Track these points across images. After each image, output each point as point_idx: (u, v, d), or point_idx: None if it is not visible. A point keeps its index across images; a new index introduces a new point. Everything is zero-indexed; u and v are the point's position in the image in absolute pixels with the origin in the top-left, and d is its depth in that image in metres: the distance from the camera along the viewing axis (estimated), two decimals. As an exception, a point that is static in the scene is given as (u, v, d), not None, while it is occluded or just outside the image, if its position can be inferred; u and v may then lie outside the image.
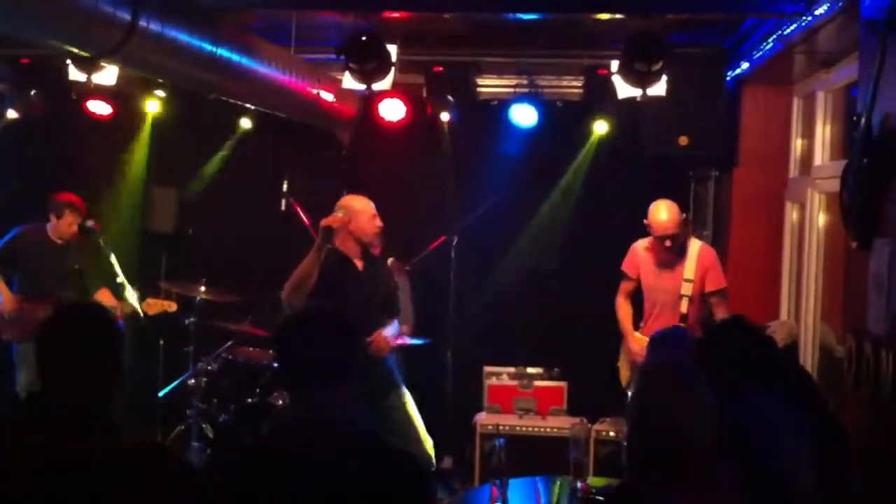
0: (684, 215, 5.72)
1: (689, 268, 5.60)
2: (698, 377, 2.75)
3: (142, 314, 6.34)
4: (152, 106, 7.25)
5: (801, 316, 5.95)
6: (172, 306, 6.59)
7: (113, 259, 6.29)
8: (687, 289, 5.59)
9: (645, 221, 5.65)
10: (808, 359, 5.78)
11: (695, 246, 5.70)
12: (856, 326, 4.01)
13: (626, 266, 5.91)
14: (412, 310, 6.60)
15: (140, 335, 6.32)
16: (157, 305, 6.54)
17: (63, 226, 6.56)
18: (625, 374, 5.92)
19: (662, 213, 5.58)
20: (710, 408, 2.61)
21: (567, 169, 7.31)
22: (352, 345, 2.57)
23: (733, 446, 2.71)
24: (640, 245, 5.84)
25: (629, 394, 5.85)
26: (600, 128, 6.92)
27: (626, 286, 5.92)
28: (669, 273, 5.66)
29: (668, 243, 5.55)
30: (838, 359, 4.96)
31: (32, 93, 6.66)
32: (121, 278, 6.32)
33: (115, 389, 2.49)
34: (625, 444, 5.30)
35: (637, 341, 5.75)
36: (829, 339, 5.54)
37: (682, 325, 5.55)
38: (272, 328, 6.48)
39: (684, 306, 5.58)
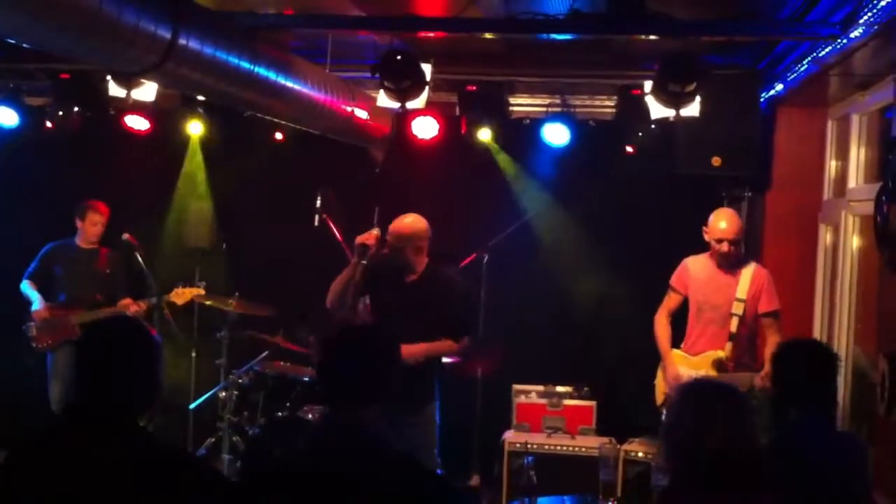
0: (744, 228, 5.67)
1: (743, 287, 5.52)
2: (745, 397, 2.79)
3: (173, 325, 6.44)
4: (192, 125, 7.32)
5: (835, 339, 5.90)
6: (201, 292, 6.68)
7: (147, 272, 6.37)
8: (738, 308, 5.50)
9: (704, 228, 5.60)
10: (840, 383, 5.73)
11: (750, 266, 5.61)
12: (889, 350, 3.98)
13: (674, 281, 5.82)
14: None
15: (172, 342, 6.42)
16: (186, 294, 6.64)
17: (88, 226, 6.79)
18: (661, 393, 5.82)
19: (722, 216, 5.57)
20: (757, 426, 2.66)
21: (599, 188, 7.32)
22: (390, 366, 2.58)
23: (784, 464, 2.74)
24: (692, 260, 5.78)
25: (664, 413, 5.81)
26: (632, 148, 6.91)
27: (670, 301, 5.83)
28: (722, 290, 5.58)
29: (724, 247, 5.47)
30: (871, 383, 4.92)
31: (76, 109, 6.78)
32: (153, 291, 6.41)
33: (152, 401, 2.54)
34: (653, 463, 5.29)
35: (675, 364, 5.67)
36: (862, 363, 5.49)
37: (730, 343, 5.51)
38: (304, 342, 6.61)
39: (734, 326, 5.51)
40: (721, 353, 5.52)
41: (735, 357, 5.53)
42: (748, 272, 5.56)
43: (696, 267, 5.73)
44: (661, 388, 5.82)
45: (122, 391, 2.48)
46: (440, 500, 2.49)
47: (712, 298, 5.61)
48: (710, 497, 2.63)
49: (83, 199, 6.87)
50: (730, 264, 5.57)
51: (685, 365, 5.66)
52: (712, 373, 5.48)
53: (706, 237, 5.58)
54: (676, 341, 5.79)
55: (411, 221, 5.21)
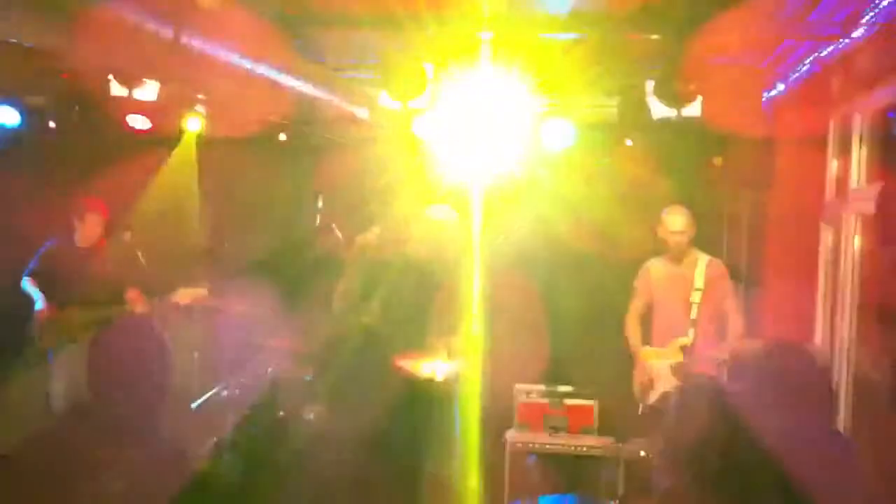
0: (693, 225, 5.99)
1: (699, 277, 5.91)
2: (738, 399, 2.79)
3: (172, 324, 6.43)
4: (192, 122, 7.32)
5: (837, 339, 5.89)
6: (204, 293, 6.68)
7: (148, 272, 6.37)
8: (696, 296, 5.88)
9: (658, 227, 5.99)
10: (842, 383, 5.72)
11: (703, 259, 5.99)
12: (891, 350, 3.97)
13: (638, 283, 6.19)
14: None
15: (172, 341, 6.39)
16: (189, 295, 6.63)
17: (87, 228, 6.73)
18: (636, 384, 6.10)
19: (675, 212, 5.97)
20: (754, 429, 2.65)
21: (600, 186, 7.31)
22: (388, 365, 2.56)
23: (778, 465, 2.73)
24: (652, 262, 6.15)
25: (642, 406, 6.06)
26: (630, 146, 6.91)
27: (637, 304, 6.19)
28: (680, 283, 5.94)
29: (677, 237, 5.89)
30: (873, 383, 4.92)
31: (76, 108, 6.77)
32: (154, 290, 6.42)
33: (159, 401, 2.54)
34: (655, 463, 5.28)
35: (644, 355, 6.01)
36: (864, 363, 5.49)
37: (692, 329, 5.84)
38: (307, 342, 6.60)
39: (694, 312, 5.86)
40: (686, 340, 5.85)
41: (698, 341, 5.85)
42: (702, 264, 5.96)
43: (656, 267, 6.12)
44: (636, 380, 6.11)
45: (131, 391, 2.48)
46: None
47: (672, 291, 5.98)
48: (712, 498, 2.63)
49: (82, 198, 6.85)
50: (685, 258, 5.97)
51: (656, 357, 5.97)
52: (680, 358, 5.82)
53: (660, 234, 5.99)
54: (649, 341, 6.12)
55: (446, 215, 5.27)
